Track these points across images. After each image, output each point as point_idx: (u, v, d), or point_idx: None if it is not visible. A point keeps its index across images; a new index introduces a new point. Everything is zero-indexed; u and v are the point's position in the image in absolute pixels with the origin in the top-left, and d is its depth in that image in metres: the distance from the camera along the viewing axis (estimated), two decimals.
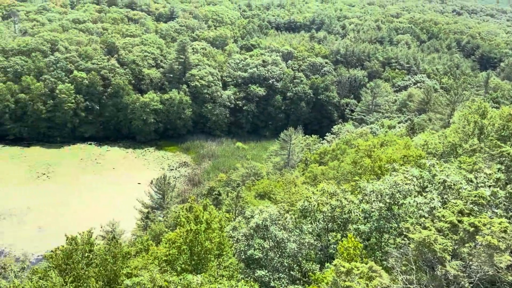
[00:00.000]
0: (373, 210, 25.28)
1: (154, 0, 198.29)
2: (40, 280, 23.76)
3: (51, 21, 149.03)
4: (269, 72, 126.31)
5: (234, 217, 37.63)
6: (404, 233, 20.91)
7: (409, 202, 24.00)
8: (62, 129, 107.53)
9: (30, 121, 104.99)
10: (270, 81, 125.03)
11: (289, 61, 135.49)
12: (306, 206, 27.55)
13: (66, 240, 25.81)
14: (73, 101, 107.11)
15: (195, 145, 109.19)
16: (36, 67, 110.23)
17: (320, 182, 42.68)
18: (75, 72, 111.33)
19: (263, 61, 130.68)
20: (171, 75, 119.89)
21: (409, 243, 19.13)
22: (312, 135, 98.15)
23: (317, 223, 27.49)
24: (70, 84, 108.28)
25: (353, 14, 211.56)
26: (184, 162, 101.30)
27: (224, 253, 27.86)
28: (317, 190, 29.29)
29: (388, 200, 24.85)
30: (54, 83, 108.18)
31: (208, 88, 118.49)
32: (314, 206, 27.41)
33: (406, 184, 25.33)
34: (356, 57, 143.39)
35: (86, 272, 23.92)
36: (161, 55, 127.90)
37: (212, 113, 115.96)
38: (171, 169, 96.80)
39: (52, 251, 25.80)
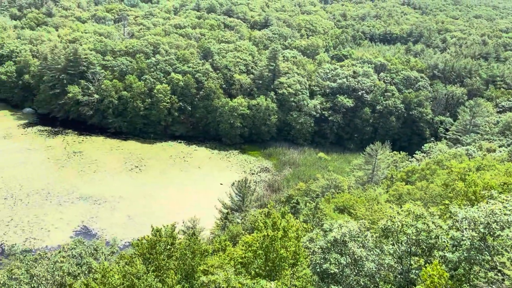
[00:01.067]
0: (464, 238, 23.28)
1: (250, 8, 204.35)
2: (126, 266, 25.49)
3: (156, 26, 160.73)
4: (359, 84, 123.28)
5: (311, 228, 37.10)
6: (499, 267, 18.94)
7: (507, 235, 21.70)
8: (156, 126, 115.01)
9: (129, 117, 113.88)
10: (359, 93, 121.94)
11: (382, 73, 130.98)
12: (389, 225, 26.21)
13: (152, 231, 27.40)
14: (168, 101, 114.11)
15: (277, 152, 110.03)
16: (139, 67, 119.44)
17: (405, 202, 40.45)
18: (172, 74, 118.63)
19: (354, 72, 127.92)
20: (260, 82, 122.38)
21: (504, 280, 17.27)
22: (400, 152, 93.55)
23: (400, 245, 26.00)
24: (167, 85, 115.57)
25: (456, 27, 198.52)
26: (266, 167, 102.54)
27: (299, 263, 27.54)
28: (402, 210, 27.77)
29: (482, 230, 22.70)
30: (153, 83, 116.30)
31: (295, 96, 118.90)
32: (397, 226, 25.99)
33: (505, 215, 22.95)
34: (456, 73, 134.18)
35: (167, 264, 25.14)
36: (252, 61, 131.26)
37: (297, 121, 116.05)
38: (252, 173, 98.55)
39: (138, 239, 27.57)
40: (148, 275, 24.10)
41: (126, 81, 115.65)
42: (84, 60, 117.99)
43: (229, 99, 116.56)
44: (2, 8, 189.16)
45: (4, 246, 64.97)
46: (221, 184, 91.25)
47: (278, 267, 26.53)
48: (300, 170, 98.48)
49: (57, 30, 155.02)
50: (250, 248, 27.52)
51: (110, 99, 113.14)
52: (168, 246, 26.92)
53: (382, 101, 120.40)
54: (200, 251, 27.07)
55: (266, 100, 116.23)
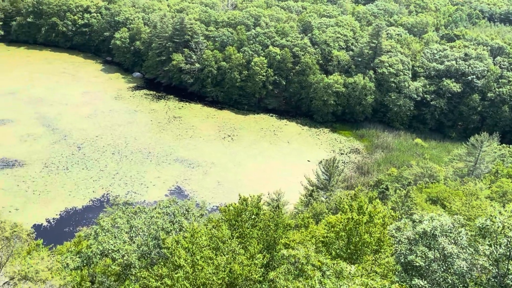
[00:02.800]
0: None
1: None
2: (213, 229, 26.97)
3: None
4: (470, 67, 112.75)
5: (399, 216, 35.63)
6: None
7: None
8: (250, 98, 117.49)
9: (226, 87, 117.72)
10: (469, 78, 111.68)
11: (498, 58, 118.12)
12: (487, 225, 24.15)
13: (239, 199, 28.47)
14: (264, 74, 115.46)
15: (370, 134, 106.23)
16: (239, 39, 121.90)
17: (510, 202, 36.83)
18: (270, 47, 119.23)
19: (465, 54, 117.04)
20: (360, 59, 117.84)
21: None
22: (510, 146, 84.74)
23: (498, 247, 23.89)
24: (264, 58, 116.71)
25: None
26: (356, 148, 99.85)
27: (382, 250, 26.80)
28: (505, 210, 25.35)
29: None
30: (251, 55, 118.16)
31: (396, 76, 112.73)
32: (498, 227, 23.83)
33: None
34: None
35: (251, 233, 26.06)
36: (353, 37, 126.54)
37: (395, 103, 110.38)
38: (342, 153, 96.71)
39: (226, 206, 28.88)
40: (233, 240, 25.26)
41: (226, 52, 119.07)
42: (189, 29, 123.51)
43: (324, 75, 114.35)
44: None
45: (110, 195, 72.47)
46: (308, 161, 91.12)
47: (360, 251, 26.09)
48: (393, 155, 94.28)
49: (167, 0, 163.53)
50: (333, 229, 27.37)
51: (209, 69, 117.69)
52: (253, 216, 27.82)
53: (495, 88, 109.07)
54: (283, 224, 27.58)
55: (363, 78, 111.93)
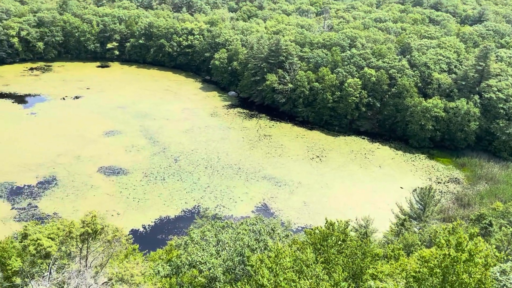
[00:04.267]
0: None
1: (463, 1, 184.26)
2: (298, 251, 26.69)
3: (355, 19, 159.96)
4: None
5: (504, 257, 32.01)
6: None
7: None
8: (342, 119, 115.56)
9: (317, 108, 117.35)
10: None
11: None
12: None
13: (325, 223, 27.89)
14: (357, 95, 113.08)
15: (473, 163, 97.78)
16: (333, 60, 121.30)
17: None
18: (366, 68, 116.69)
19: None
20: (463, 83, 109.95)
21: None
22: None
23: None
24: (358, 79, 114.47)
25: None
26: (455, 178, 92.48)
27: None
28: None
29: None
30: (345, 76, 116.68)
31: (506, 102, 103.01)
32: None
33: None
34: None
35: (336, 259, 25.30)
36: (456, 60, 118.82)
37: (503, 131, 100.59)
38: (439, 182, 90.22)
39: (311, 228, 28.46)
40: (317, 265, 24.72)
41: (319, 73, 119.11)
42: (284, 50, 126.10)
43: (423, 98, 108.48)
44: (223, 2, 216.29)
45: (200, 208, 75.72)
46: (401, 187, 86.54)
47: None
48: (499, 187, 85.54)
49: (264, 22, 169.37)
50: (426, 264, 25.44)
51: (302, 89, 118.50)
52: (339, 242, 27.01)
53: None
54: (371, 253, 26.36)
55: (467, 103, 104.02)
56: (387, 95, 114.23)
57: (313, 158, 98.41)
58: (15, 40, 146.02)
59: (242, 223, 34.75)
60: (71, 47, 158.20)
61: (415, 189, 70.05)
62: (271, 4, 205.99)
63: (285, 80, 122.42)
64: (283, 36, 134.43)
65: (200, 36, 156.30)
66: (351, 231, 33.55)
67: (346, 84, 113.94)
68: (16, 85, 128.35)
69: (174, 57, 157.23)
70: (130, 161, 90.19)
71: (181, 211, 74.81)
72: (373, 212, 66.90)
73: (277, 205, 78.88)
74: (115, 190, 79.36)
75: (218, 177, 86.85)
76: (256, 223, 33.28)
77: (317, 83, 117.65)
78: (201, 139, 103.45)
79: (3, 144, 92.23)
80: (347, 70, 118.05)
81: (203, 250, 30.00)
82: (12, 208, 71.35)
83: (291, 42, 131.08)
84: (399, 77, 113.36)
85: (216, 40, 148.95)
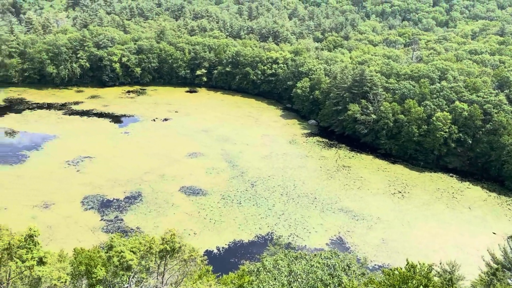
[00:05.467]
0: None
1: None
2: None
3: (447, 51, 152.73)
4: None
5: None
6: None
7: None
8: (428, 155, 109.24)
9: (401, 141, 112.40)
10: None
11: None
12: None
13: (406, 264, 26.10)
14: (446, 130, 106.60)
15: None
16: (421, 92, 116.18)
17: None
18: (457, 102, 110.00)
19: None
20: None
21: None
22: None
23: None
24: (448, 113, 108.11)
25: None
26: None
27: None
28: None
29: None
30: (433, 109, 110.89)
31: None
32: None
33: None
34: None
35: None
36: None
37: None
38: None
39: (390, 269, 26.77)
40: None
41: (405, 105, 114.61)
42: (368, 81, 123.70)
43: None
44: (309, 32, 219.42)
45: (274, 235, 75.34)
46: (494, 233, 78.86)
47: None
48: None
49: (350, 52, 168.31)
50: None
51: (386, 121, 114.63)
52: (421, 287, 25.02)
53: None
54: None
55: None
56: (481, 132, 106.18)
57: (394, 193, 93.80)
58: (117, 65, 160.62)
59: (316, 255, 33.80)
60: (164, 73, 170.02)
61: (511, 236, 63.22)
62: (357, 35, 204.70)
63: (368, 111, 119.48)
64: (368, 67, 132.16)
65: (284, 65, 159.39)
66: (434, 276, 30.98)
67: (434, 118, 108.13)
68: (114, 106, 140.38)
69: (258, 84, 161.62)
70: (209, 182, 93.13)
71: (255, 236, 75.02)
72: (460, 257, 61.48)
73: (353, 240, 75.87)
74: (194, 210, 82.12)
75: (293, 205, 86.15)
76: (330, 257, 32.16)
77: (402, 115, 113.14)
78: (278, 165, 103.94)
79: (99, 160, 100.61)
80: (436, 103, 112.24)
81: (275, 279, 29.57)
82: (101, 220, 76.86)
83: (377, 72, 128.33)
84: (495, 113, 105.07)
85: (299, 69, 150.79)
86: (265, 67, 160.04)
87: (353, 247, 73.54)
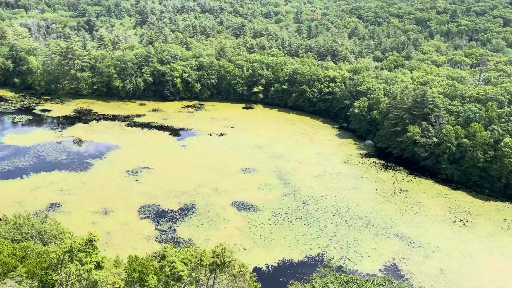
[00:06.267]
0: None
1: None
2: None
3: None
4: None
5: None
6: None
7: None
8: (494, 182, 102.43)
9: (464, 167, 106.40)
10: None
11: None
12: None
13: None
14: None
15: None
16: (488, 116, 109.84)
17: None
18: None
19: None
20: None
21: None
22: None
23: None
24: None
25: None
26: None
27: None
28: None
29: None
30: (501, 135, 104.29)
31: None
32: None
33: None
34: None
35: None
36: None
37: None
38: None
39: None
40: None
41: (469, 129, 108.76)
42: (430, 102, 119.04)
43: None
44: (368, 51, 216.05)
45: (324, 256, 73.56)
46: None
47: None
48: None
49: (411, 72, 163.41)
50: None
51: (448, 144, 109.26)
52: None
53: None
54: None
55: None
56: None
57: (455, 221, 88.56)
58: (178, 80, 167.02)
59: (368, 280, 32.48)
60: (222, 89, 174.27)
61: None
62: (420, 55, 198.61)
63: (429, 133, 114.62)
64: (431, 88, 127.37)
65: (342, 83, 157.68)
66: None
67: (502, 144, 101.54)
68: (174, 120, 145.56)
69: (314, 102, 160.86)
70: (261, 198, 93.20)
71: (305, 257, 73.67)
72: None
73: (408, 268, 72.22)
74: (244, 225, 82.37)
75: (345, 227, 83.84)
76: (384, 283, 30.74)
77: (466, 140, 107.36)
78: (332, 185, 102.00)
79: (157, 171, 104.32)
80: (504, 128, 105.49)
81: None
82: (155, 229, 79.19)
83: (439, 94, 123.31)
84: None
85: (357, 88, 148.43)
86: (322, 86, 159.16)
87: (408, 276, 69.97)
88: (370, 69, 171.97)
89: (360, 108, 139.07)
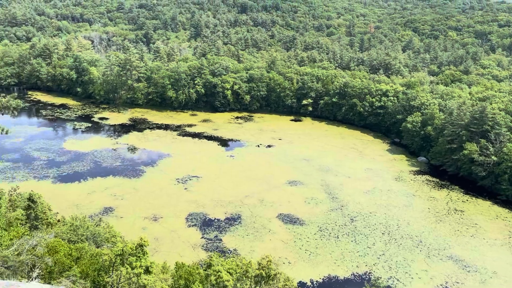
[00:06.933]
0: None
1: None
2: None
3: None
4: None
5: None
6: None
7: None
8: None
9: None
10: None
11: None
12: None
13: None
14: None
15: None
16: None
17: None
18: None
19: None
20: None
21: None
22: None
23: None
24: None
25: None
26: None
27: None
28: None
29: None
30: None
31: None
32: None
33: None
34: None
35: None
36: None
37: None
38: None
39: None
40: None
41: None
42: (490, 119, 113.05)
43: None
44: (423, 65, 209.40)
45: (372, 275, 71.21)
46: None
47: None
48: None
49: (469, 87, 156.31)
50: None
51: (509, 164, 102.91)
52: None
53: None
54: None
55: None
56: None
57: None
58: (229, 92, 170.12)
59: None
60: (271, 101, 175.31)
61: None
62: (479, 69, 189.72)
63: (488, 152, 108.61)
64: (491, 104, 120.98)
65: (394, 98, 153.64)
66: None
67: None
68: (223, 130, 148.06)
69: (365, 116, 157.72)
70: (307, 212, 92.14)
71: (351, 274, 71.70)
72: None
73: None
74: (290, 238, 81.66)
75: (395, 246, 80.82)
76: None
77: None
78: (381, 202, 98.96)
79: (205, 180, 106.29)
80: None
81: None
82: (202, 237, 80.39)
83: (500, 110, 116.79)
84: None
85: (410, 103, 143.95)
86: (374, 99, 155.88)
87: None
88: (424, 84, 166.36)
89: (413, 123, 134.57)
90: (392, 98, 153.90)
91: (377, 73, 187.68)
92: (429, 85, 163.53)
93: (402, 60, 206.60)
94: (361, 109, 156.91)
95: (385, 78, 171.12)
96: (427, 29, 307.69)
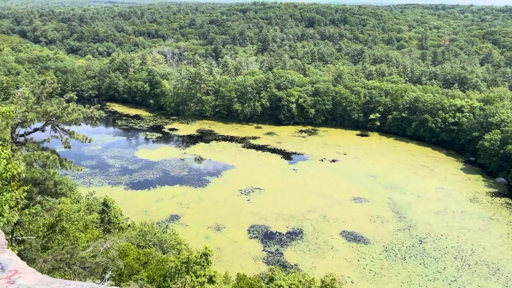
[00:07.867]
0: None
1: None
2: None
3: None
4: None
5: None
6: None
7: None
8: None
9: None
10: None
11: None
12: None
13: None
14: None
15: None
16: None
17: None
18: None
19: None
20: None
21: None
22: None
23: None
24: None
25: None
26: None
27: None
28: None
29: None
30: None
31: None
32: None
33: None
34: None
35: None
36: None
37: None
38: None
39: None
40: None
41: None
42: None
43: None
44: (504, 79, 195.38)
45: None
46: None
47: None
48: None
49: None
50: None
51: None
52: None
53: None
54: None
55: None
56: None
57: None
58: (293, 106, 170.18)
59: None
60: (337, 115, 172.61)
61: None
62: None
63: None
64: None
65: (470, 114, 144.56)
66: None
67: None
68: (287, 143, 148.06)
69: (436, 133, 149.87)
70: (372, 231, 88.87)
71: None
72: None
73: None
74: (353, 257, 79.11)
75: (468, 273, 75.21)
76: None
77: None
78: (454, 224, 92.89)
79: (267, 192, 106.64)
80: None
81: None
82: (263, 250, 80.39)
83: None
84: None
85: (489, 119, 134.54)
86: (447, 115, 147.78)
87: None
88: (504, 99, 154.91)
89: (492, 141, 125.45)
90: (467, 114, 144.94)
91: (451, 87, 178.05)
92: (510, 101, 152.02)
93: (479, 74, 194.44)
94: (433, 125, 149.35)
95: (460, 93, 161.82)
96: (508, 41, 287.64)
